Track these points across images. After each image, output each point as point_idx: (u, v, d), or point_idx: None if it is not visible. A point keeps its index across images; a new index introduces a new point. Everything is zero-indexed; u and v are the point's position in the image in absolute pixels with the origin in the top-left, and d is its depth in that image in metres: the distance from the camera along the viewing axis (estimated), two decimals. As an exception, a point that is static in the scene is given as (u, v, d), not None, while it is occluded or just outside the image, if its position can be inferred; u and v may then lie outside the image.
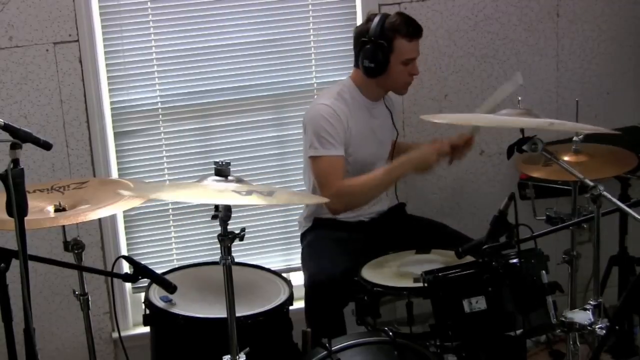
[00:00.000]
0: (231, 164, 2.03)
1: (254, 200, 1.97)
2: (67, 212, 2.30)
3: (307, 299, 2.70)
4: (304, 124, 2.90)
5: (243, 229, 2.01)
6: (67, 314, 3.21)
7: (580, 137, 2.73)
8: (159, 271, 2.46)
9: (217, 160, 2.02)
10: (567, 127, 2.50)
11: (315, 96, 3.21)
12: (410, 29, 2.81)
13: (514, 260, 2.36)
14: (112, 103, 3.15)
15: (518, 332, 2.33)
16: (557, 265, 2.67)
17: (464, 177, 3.54)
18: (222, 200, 1.95)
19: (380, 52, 2.78)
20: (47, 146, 1.91)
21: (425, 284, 2.30)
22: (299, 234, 3.08)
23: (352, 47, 2.91)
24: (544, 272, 2.37)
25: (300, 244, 3.06)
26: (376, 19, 2.80)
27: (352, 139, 2.84)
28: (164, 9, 3.13)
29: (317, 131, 2.79)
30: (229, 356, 2.03)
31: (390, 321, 2.49)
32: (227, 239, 1.98)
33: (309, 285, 2.71)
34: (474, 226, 3.27)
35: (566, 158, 2.67)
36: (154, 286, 2.47)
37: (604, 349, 2.23)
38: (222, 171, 2.01)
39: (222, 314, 2.09)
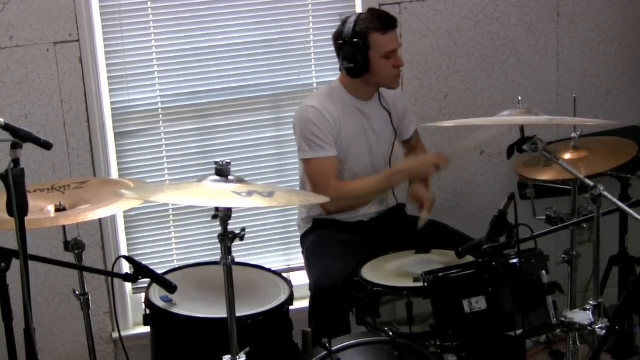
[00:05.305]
0: (231, 163, 2.03)
1: (255, 202, 1.96)
2: (67, 212, 2.30)
3: (312, 303, 2.69)
4: (293, 126, 2.91)
5: (243, 229, 2.00)
6: (67, 314, 3.21)
7: (578, 133, 2.73)
8: (159, 271, 2.46)
9: (217, 160, 2.02)
10: (566, 121, 2.50)
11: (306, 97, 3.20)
12: (382, 21, 2.79)
13: (514, 260, 2.36)
14: (112, 103, 3.15)
15: (518, 332, 2.33)
16: (557, 265, 2.67)
17: (464, 177, 3.54)
18: (222, 203, 1.95)
19: (357, 50, 2.77)
20: (47, 146, 1.91)
21: (426, 284, 2.30)
22: (299, 235, 3.08)
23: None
24: (544, 272, 2.37)
25: (300, 245, 3.06)
26: (350, 19, 2.80)
27: (343, 139, 2.83)
28: (164, 9, 3.13)
29: (304, 134, 2.80)
30: (229, 356, 2.03)
31: (390, 321, 2.48)
32: (227, 238, 1.98)
33: (314, 290, 2.70)
34: (474, 226, 3.26)
35: (567, 156, 2.67)
36: (155, 286, 2.47)
37: (604, 349, 2.24)
38: (222, 171, 2.01)
39: (222, 314, 2.09)
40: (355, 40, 2.76)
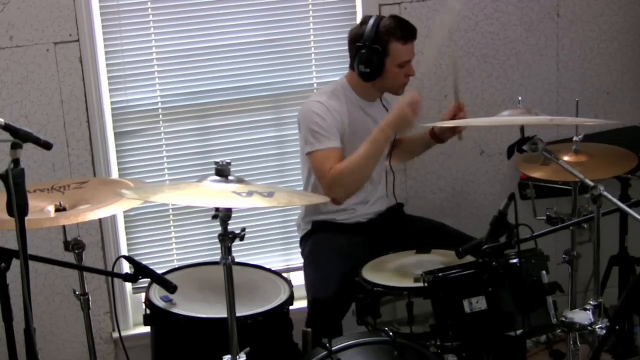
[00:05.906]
0: (231, 163, 2.03)
1: (255, 202, 1.96)
2: (67, 212, 2.30)
3: (309, 313, 2.69)
4: (297, 122, 2.90)
5: (243, 229, 2.00)
6: (67, 314, 3.21)
7: (580, 137, 2.73)
8: (159, 271, 2.45)
9: (217, 160, 2.02)
10: (567, 122, 2.50)
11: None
12: (405, 32, 2.79)
13: (514, 260, 2.36)
14: (112, 103, 3.15)
15: (518, 332, 2.33)
16: (557, 265, 2.67)
17: (464, 177, 3.54)
18: (222, 203, 1.95)
19: (376, 56, 2.76)
20: (47, 146, 1.91)
21: (426, 284, 2.30)
22: (298, 236, 3.08)
23: (352, 47, 2.90)
24: (544, 272, 2.38)
25: (299, 247, 3.06)
26: (370, 22, 2.78)
27: (348, 137, 2.82)
28: (164, 9, 3.13)
29: (309, 127, 2.78)
30: (229, 356, 2.03)
31: (390, 321, 2.49)
32: (227, 238, 1.97)
33: (311, 300, 2.71)
34: (474, 226, 3.27)
35: (566, 158, 2.67)
36: (155, 286, 2.47)
37: (604, 349, 2.23)
38: (222, 171, 2.01)
39: (222, 313, 2.08)
40: (375, 45, 2.75)
